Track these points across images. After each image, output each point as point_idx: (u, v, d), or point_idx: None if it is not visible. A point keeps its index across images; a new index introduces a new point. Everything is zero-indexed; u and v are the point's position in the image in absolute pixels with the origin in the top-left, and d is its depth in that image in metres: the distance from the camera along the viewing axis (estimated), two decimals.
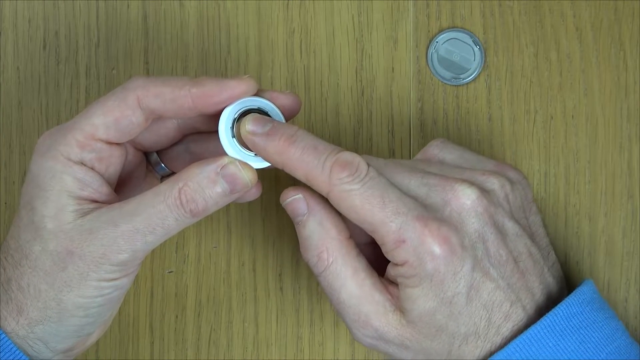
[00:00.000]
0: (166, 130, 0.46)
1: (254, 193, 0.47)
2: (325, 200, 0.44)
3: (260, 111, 0.44)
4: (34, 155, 0.43)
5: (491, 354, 0.43)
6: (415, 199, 0.43)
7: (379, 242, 0.43)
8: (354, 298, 0.44)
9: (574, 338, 0.43)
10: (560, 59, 0.54)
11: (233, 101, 0.43)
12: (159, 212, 0.42)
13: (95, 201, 0.43)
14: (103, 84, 0.54)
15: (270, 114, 0.44)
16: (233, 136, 0.44)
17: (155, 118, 0.44)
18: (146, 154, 0.49)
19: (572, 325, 0.43)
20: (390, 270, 0.44)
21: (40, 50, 0.55)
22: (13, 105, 0.54)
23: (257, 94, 0.44)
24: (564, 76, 0.54)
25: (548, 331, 0.43)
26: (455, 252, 0.42)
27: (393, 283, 0.44)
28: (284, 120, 0.45)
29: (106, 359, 0.54)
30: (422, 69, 0.54)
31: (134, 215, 0.42)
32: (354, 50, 0.54)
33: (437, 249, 0.42)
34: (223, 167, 0.43)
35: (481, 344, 0.43)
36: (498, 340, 0.43)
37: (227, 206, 0.54)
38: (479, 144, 0.54)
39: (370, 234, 0.43)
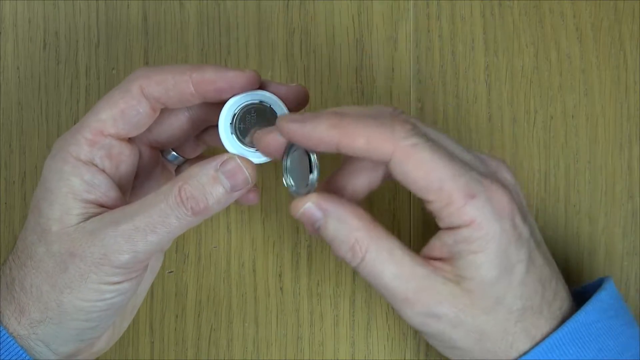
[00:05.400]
0: (179, 123, 0.46)
1: (252, 199, 0.47)
2: (336, 197, 0.43)
3: (263, 105, 0.44)
4: (46, 159, 0.44)
5: (547, 334, 0.42)
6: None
7: (441, 203, 0.41)
8: (397, 279, 0.42)
9: (593, 346, 0.43)
10: (560, 59, 0.54)
11: (234, 92, 0.43)
12: (160, 211, 0.41)
13: (102, 205, 0.43)
14: (103, 84, 0.54)
15: (274, 108, 0.44)
16: (232, 132, 0.44)
17: (164, 108, 0.44)
18: (164, 153, 0.49)
19: (591, 333, 0.43)
20: (447, 239, 0.41)
21: (40, 50, 0.55)
22: (13, 105, 0.54)
23: (261, 87, 0.44)
24: (564, 76, 0.54)
25: (570, 338, 0.42)
26: (517, 213, 0.41)
27: (432, 259, 0.43)
28: (285, 108, 0.44)
29: (106, 359, 0.54)
30: (422, 69, 0.54)
31: (135, 215, 0.41)
32: (354, 50, 0.54)
33: (506, 206, 0.41)
34: (222, 163, 0.42)
35: (536, 322, 0.42)
36: (554, 321, 0.43)
37: (227, 206, 0.54)
38: (479, 144, 0.54)
39: (432, 195, 0.41)
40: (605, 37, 0.54)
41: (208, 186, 0.42)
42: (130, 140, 0.45)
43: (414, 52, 0.54)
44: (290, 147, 0.43)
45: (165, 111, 0.45)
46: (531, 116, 0.54)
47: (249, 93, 0.44)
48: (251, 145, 0.44)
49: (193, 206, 0.42)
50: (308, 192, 0.43)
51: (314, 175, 0.43)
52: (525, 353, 0.42)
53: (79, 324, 0.43)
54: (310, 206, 0.42)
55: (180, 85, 0.43)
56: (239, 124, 0.44)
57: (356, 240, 0.42)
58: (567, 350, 0.42)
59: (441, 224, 0.42)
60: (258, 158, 0.44)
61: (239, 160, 0.42)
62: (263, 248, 0.54)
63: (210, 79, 0.43)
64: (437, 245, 0.42)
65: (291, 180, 0.44)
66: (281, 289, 0.54)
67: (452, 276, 0.42)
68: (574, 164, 0.54)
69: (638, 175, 0.54)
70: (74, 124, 0.54)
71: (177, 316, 0.54)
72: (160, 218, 0.41)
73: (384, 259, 0.42)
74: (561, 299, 0.43)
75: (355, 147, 0.41)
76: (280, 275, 0.54)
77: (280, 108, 0.44)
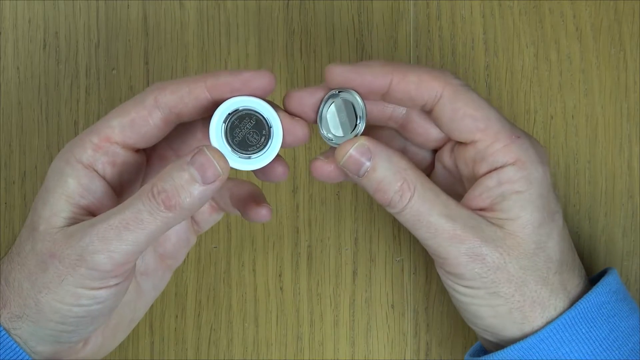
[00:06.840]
0: (192, 131, 0.46)
1: (265, 215, 0.46)
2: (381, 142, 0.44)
3: (262, 117, 0.44)
4: (54, 159, 0.44)
5: (581, 293, 0.44)
6: None
7: (487, 141, 0.43)
8: (444, 217, 0.42)
9: (604, 326, 0.43)
10: (560, 59, 0.54)
11: (249, 92, 0.43)
12: (132, 207, 0.41)
13: (93, 213, 0.43)
14: (103, 84, 0.54)
15: (273, 128, 0.43)
16: (224, 121, 0.43)
17: (177, 122, 0.44)
18: None
19: (603, 314, 0.44)
20: (489, 182, 0.43)
21: (40, 50, 0.55)
22: (13, 105, 0.54)
23: (276, 107, 0.44)
24: (564, 76, 0.54)
25: (581, 318, 0.43)
26: (548, 168, 0.43)
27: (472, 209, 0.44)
28: (281, 136, 0.43)
29: (106, 359, 0.54)
30: None
31: (111, 215, 0.41)
32: (354, 50, 0.54)
33: (546, 154, 0.43)
34: (193, 156, 0.41)
35: (571, 277, 0.44)
36: (581, 284, 0.44)
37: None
38: None
39: (479, 134, 0.43)
40: (605, 37, 0.54)
41: (178, 179, 0.41)
42: (138, 150, 0.45)
43: (414, 52, 0.54)
44: (326, 99, 0.44)
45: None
46: (531, 116, 0.54)
47: (257, 101, 0.43)
48: (235, 147, 0.43)
49: (164, 199, 0.41)
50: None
51: (362, 122, 0.44)
52: (563, 312, 0.43)
53: (55, 326, 0.42)
54: (362, 144, 0.43)
55: (195, 91, 0.42)
56: (235, 120, 0.43)
57: (405, 179, 0.43)
58: (579, 329, 0.43)
59: (483, 168, 0.43)
60: (234, 162, 0.43)
61: (208, 153, 0.41)
62: (263, 248, 0.54)
63: (226, 81, 0.42)
64: (476, 194, 0.43)
65: (331, 131, 0.44)
66: (281, 289, 0.54)
67: (495, 221, 0.43)
68: (574, 164, 0.54)
69: (638, 175, 0.54)
70: (74, 124, 0.54)
71: (177, 316, 0.54)
72: (132, 214, 0.41)
73: (432, 198, 0.43)
74: (580, 266, 0.45)
75: (407, 85, 0.43)
76: (280, 275, 0.54)
77: (278, 131, 0.43)
